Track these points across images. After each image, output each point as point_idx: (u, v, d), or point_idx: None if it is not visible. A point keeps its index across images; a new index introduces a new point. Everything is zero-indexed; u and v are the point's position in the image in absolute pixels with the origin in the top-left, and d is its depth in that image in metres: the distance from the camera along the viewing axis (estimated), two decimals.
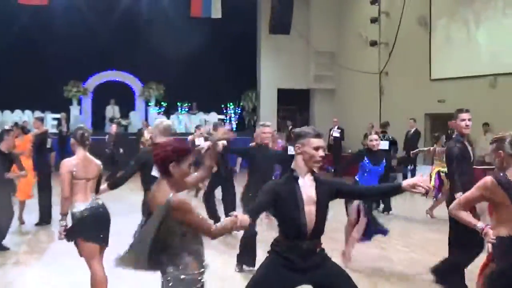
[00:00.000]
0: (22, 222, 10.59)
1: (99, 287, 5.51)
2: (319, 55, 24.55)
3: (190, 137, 13.35)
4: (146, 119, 22.52)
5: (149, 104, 24.95)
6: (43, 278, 7.27)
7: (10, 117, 22.33)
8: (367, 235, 7.85)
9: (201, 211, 6.01)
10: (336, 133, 20.22)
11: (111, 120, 21.88)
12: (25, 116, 22.09)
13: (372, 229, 7.83)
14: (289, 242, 4.07)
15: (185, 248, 3.66)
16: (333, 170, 14.18)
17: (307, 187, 4.08)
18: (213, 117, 23.68)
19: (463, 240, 5.78)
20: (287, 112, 24.91)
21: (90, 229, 5.41)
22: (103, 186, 5.83)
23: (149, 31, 23.27)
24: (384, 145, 14.68)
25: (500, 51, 16.13)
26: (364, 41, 21.91)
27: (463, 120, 6.24)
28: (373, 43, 21.36)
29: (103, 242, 5.55)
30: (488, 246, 4.60)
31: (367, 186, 5.60)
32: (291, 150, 6.21)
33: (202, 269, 3.75)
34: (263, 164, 7.38)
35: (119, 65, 24.42)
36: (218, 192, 10.43)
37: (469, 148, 6.27)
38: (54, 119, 22.20)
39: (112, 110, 23.79)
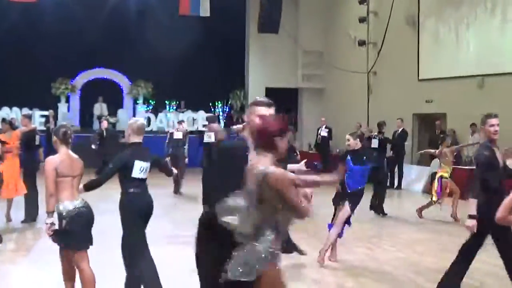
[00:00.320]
0: (9, 219, 10.52)
1: (89, 284, 5.49)
2: (308, 55, 24.63)
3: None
4: (134, 117, 22.43)
5: (137, 102, 25.01)
6: (30, 275, 7.24)
7: None
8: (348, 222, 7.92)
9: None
10: (324, 133, 20.26)
11: (99, 117, 21.86)
12: (13, 113, 21.91)
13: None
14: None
15: (276, 223, 3.68)
16: (320, 167, 14.25)
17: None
18: (201, 115, 23.74)
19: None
20: (275, 110, 24.81)
21: (79, 236, 5.37)
22: (80, 186, 5.74)
23: (137, 30, 23.29)
24: (374, 143, 14.85)
25: (488, 52, 16.19)
26: (353, 41, 21.97)
27: (492, 125, 5.85)
28: (362, 43, 21.41)
29: (90, 243, 5.53)
30: None
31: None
32: None
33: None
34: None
35: (108, 62, 24.35)
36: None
37: (498, 154, 5.90)
38: (42, 116, 22.11)
39: (100, 108, 23.73)
